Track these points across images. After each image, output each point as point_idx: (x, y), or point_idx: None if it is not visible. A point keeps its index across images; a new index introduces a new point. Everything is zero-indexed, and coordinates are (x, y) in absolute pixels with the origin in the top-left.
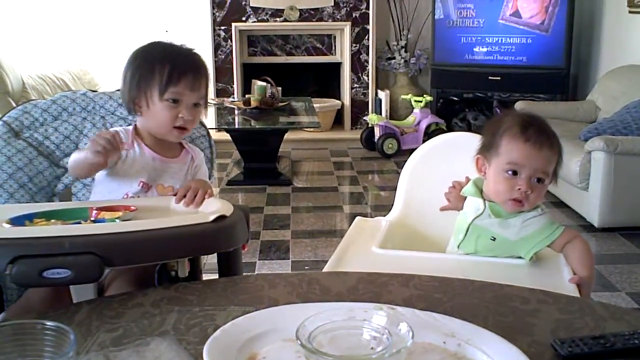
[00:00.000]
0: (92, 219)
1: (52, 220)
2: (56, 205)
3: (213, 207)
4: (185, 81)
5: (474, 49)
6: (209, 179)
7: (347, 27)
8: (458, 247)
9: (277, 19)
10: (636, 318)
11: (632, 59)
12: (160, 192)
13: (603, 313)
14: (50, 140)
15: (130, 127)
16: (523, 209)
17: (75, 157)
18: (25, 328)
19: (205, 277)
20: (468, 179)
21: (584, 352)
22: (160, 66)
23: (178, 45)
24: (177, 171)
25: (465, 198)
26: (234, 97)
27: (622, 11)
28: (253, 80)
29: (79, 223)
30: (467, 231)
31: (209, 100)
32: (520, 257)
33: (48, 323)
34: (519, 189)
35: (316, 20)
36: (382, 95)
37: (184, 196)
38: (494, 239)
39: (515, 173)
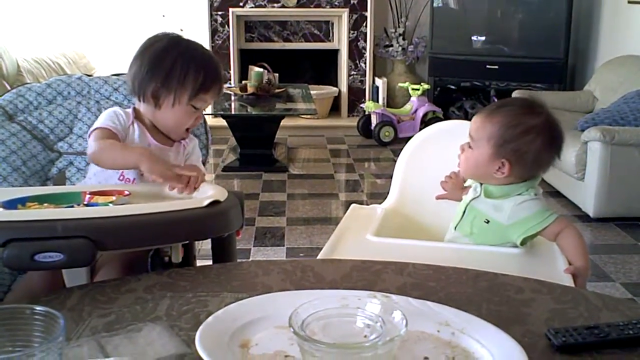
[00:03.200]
0: (85, 203)
1: (45, 204)
2: (49, 189)
3: (207, 193)
4: (213, 91)
5: (472, 38)
6: (204, 165)
7: (345, 13)
8: (455, 228)
9: (275, 4)
10: (630, 308)
11: (630, 50)
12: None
13: (597, 303)
14: (45, 124)
15: (130, 110)
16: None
17: (114, 147)
18: (15, 313)
19: (199, 263)
20: None
21: (578, 342)
22: (195, 72)
23: (202, 47)
24: (172, 160)
25: (462, 188)
26: (230, 83)
27: (621, 1)
28: (250, 66)
29: (72, 207)
30: (464, 212)
31: None
32: (514, 246)
33: (38, 308)
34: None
35: (314, 7)
36: (380, 82)
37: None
38: (488, 222)
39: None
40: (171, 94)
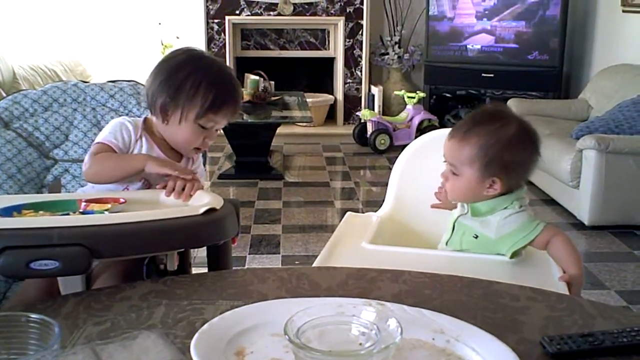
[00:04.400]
0: (81, 210)
1: (41, 212)
2: (45, 197)
3: (203, 200)
4: (225, 111)
5: (468, 46)
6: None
7: (341, 22)
8: (446, 244)
9: (271, 12)
10: (625, 316)
11: (625, 58)
12: None
13: (592, 311)
14: (40, 131)
15: (140, 120)
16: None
17: (111, 157)
18: (10, 320)
19: (194, 271)
20: None
21: (573, 350)
22: (206, 90)
23: (223, 65)
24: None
25: None
26: None
27: (616, 10)
28: (246, 74)
29: (68, 214)
30: (453, 228)
31: None
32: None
33: (33, 316)
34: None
35: (310, 15)
36: (375, 90)
37: (174, 189)
38: (476, 237)
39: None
40: (179, 110)
